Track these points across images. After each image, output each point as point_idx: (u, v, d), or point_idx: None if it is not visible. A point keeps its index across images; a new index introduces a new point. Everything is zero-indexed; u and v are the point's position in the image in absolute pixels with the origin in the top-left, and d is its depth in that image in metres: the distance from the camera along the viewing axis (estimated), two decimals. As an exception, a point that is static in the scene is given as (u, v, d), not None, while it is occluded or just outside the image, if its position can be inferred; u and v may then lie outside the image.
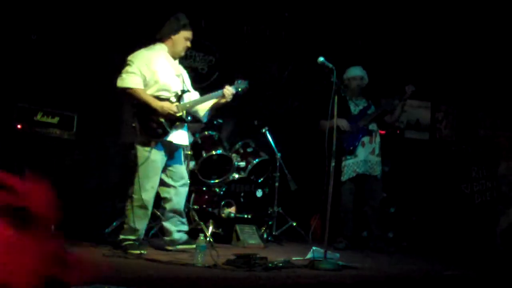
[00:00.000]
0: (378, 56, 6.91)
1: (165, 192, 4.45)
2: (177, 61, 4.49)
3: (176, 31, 4.40)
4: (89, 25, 5.82)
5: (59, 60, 5.67)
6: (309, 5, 7.01)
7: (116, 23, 5.99)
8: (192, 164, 5.57)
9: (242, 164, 5.85)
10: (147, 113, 4.19)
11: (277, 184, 5.87)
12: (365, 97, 5.73)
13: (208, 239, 5.06)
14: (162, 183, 4.41)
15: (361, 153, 5.54)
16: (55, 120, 4.87)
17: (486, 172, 6.84)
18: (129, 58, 4.27)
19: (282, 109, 7.20)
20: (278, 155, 5.86)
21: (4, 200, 2.16)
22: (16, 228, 2.14)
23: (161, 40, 4.42)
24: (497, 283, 4.06)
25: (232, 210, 5.45)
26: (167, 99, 4.27)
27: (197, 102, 4.46)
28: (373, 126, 5.64)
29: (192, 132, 5.36)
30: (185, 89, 4.41)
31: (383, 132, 5.86)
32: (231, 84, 4.48)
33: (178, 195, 4.46)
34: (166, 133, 4.25)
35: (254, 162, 5.87)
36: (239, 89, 4.47)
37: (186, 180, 4.57)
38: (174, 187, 4.43)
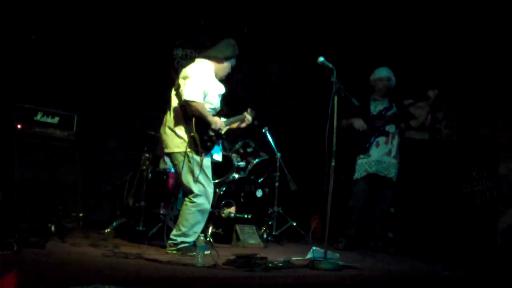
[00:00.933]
0: (378, 56, 6.90)
1: None
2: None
3: (228, 59, 4.65)
4: (89, 25, 5.82)
5: (59, 60, 5.68)
6: (309, 5, 7.01)
7: (116, 23, 5.99)
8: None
9: (242, 164, 5.85)
10: (203, 126, 4.42)
11: (277, 184, 5.87)
12: (389, 99, 5.71)
13: (208, 239, 5.07)
14: None
15: (375, 153, 5.54)
16: (55, 120, 4.87)
17: (486, 172, 6.82)
18: (193, 72, 4.44)
19: (282, 109, 7.20)
20: (278, 155, 5.86)
21: None
22: None
23: (210, 58, 4.60)
24: (497, 283, 4.06)
25: (232, 210, 5.45)
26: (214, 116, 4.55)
27: (230, 122, 4.83)
28: (390, 128, 5.61)
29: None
30: (223, 108, 4.71)
31: None
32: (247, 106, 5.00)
33: None
34: (213, 147, 4.52)
35: (254, 162, 5.87)
36: (253, 117, 4.99)
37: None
38: None
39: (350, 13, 7.09)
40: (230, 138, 6.02)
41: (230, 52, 4.63)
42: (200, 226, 4.46)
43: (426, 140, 7.30)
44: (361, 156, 5.56)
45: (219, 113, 4.64)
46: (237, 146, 6.00)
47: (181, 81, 4.45)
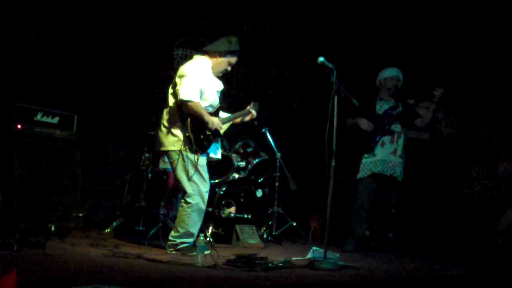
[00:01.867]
0: (378, 56, 6.90)
1: None
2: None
3: (224, 54, 4.59)
4: (89, 26, 5.82)
5: (59, 60, 5.68)
6: (309, 6, 7.01)
7: (116, 23, 5.99)
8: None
9: (242, 164, 5.85)
10: (199, 125, 4.41)
11: (277, 184, 5.87)
12: (395, 99, 5.70)
13: (208, 239, 5.07)
14: None
15: (380, 152, 5.50)
16: (55, 120, 4.88)
17: (486, 172, 6.82)
18: (189, 70, 4.41)
19: (282, 109, 7.20)
20: (278, 155, 5.86)
21: None
22: None
23: (207, 54, 4.58)
24: (497, 283, 4.06)
25: (232, 210, 5.45)
26: (212, 114, 4.52)
27: (231, 119, 4.78)
28: (396, 127, 5.58)
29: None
30: (222, 105, 4.68)
31: None
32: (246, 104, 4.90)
33: None
34: (210, 146, 4.51)
35: (254, 162, 5.87)
36: (257, 110, 4.90)
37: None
38: None
39: (350, 13, 7.09)
40: (229, 138, 6.04)
41: (225, 47, 4.57)
42: (198, 226, 4.44)
43: (426, 140, 7.31)
44: (366, 155, 5.51)
45: (218, 110, 4.61)
46: (237, 146, 6.00)
47: (177, 79, 4.43)
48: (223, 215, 5.39)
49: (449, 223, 6.64)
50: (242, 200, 5.57)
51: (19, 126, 4.62)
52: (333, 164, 4.13)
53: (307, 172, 6.49)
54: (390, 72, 5.69)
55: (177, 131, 4.41)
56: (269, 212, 5.78)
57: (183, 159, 4.35)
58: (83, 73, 5.84)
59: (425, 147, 7.21)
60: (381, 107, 5.64)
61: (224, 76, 4.76)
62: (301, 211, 6.49)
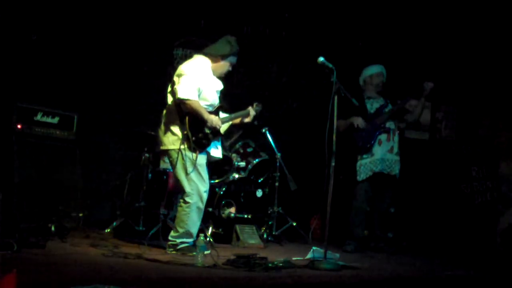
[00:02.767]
0: (378, 56, 6.90)
1: None
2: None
3: (225, 56, 4.60)
4: (89, 25, 5.82)
5: (59, 60, 5.67)
6: (309, 6, 7.01)
7: (116, 23, 5.99)
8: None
9: (242, 164, 5.85)
10: (198, 123, 4.40)
11: (277, 184, 5.87)
12: (383, 96, 5.70)
13: (208, 239, 5.07)
14: None
15: (378, 151, 5.48)
16: (55, 120, 4.88)
17: (486, 172, 6.82)
18: (187, 69, 4.41)
19: (282, 109, 7.20)
20: (278, 155, 5.86)
21: None
22: None
23: (208, 55, 4.58)
24: (497, 283, 4.06)
25: (232, 210, 5.45)
26: (212, 113, 4.50)
27: (231, 118, 4.75)
28: (390, 124, 5.58)
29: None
30: (222, 104, 4.67)
31: None
32: (247, 104, 4.85)
33: None
34: (209, 145, 4.49)
35: (254, 162, 5.87)
36: (258, 112, 4.87)
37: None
38: None
39: (350, 14, 7.09)
40: (229, 138, 6.04)
41: (227, 50, 4.58)
42: (197, 226, 4.43)
43: (426, 140, 7.31)
44: (364, 156, 5.49)
45: (218, 109, 4.61)
46: (237, 146, 6.00)
47: (175, 78, 4.44)
48: (223, 215, 5.39)
49: (449, 223, 6.65)
50: (242, 200, 5.57)
51: (19, 126, 4.62)
52: (333, 164, 4.13)
53: (307, 172, 6.49)
54: (375, 69, 5.69)
55: (176, 130, 4.42)
56: (269, 212, 5.78)
57: (182, 157, 4.34)
58: (83, 73, 5.83)
59: (425, 147, 7.21)
60: (372, 106, 5.64)
61: (224, 76, 4.75)
62: (301, 211, 6.49)
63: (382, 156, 5.48)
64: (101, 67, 5.95)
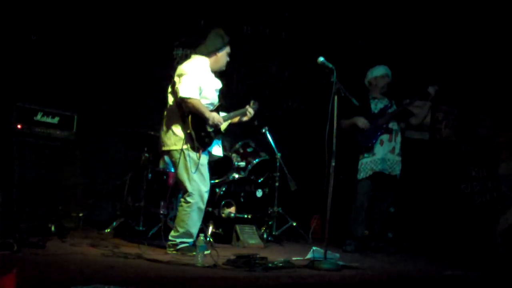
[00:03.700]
0: (378, 56, 6.90)
1: None
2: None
3: (221, 49, 4.63)
4: (89, 25, 5.82)
5: (59, 60, 5.68)
6: (309, 5, 7.01)
7: (116, 23, 5.99)
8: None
9: (242, 164, 5.85)
10: (200, 122, 4.43)
11: (277, 184, 5.87)
12: (388, 97, 5.71)
13: (208, 239, 5.07)
14: None
15: (379, 151, 5.50)
16: (55, 120, 4.88)
17: (486, 172, 6.82)
18: (188, 68, 4.45)
19: (282, 109, 7.20)
20: (278, 155, 5.86)
21: None
22: None
23: (206, 55, 4.60)
24: (497, 283, 4.06)
25: (232, 210, 5.45)
26: (213, 111, 4.54)
27: (230, 117, 4.76)
28: (393, 125, 5.59)
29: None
30: (222, 103, 4.70)
31: None
32: (247, 104, 4.85)
33: None
34: (211, 143, 4.51)
35: (254, 162, 5.87)
36: (256, 109, 4.87)
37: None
38: None
39: (350, 13, 7.09)
40: (230, 138, 6.04)
41: (219, 42, 4.62)
42: (197, 226, 4.45)
43: (426, 140, 7.31)
44: (366, 155, 5.50)
45: (218, 108, 4.63)
46: (237, 146, 6.00)
47: (176, 78, 4.47)
48: (223, 215, 5.39)
49: (449, 223, 6.65)
50: (242, 200, 5.57)
51: (19, 126, 4.62)
52: (333, 164, 4.13)
53: (307, 172, 6.49)
54: (380, 71, 5.70)
55: (178, 130, 4.43)
56: (269, 212, 5.78)
57: (185, 157, 4.36)
58: (83, 73, 5.83)
59: (425, 147, 7.21)
60: (376, 106, 5.65)
61: (224, 76, 4.77)
62: (301, 211, 6.49)
63: (383, 156, 5.48)
64: (101, 67, 5.95)
